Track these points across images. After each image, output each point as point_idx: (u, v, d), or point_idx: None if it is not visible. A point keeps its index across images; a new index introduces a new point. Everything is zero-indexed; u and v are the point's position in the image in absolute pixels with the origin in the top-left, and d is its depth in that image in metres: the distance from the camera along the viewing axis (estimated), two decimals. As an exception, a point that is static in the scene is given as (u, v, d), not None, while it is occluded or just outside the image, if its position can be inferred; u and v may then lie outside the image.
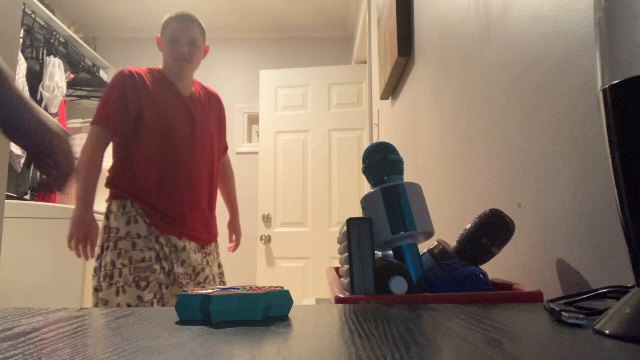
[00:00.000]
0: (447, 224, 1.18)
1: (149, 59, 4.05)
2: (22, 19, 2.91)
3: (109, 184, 1.68)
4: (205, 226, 1.76)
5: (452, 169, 1.13)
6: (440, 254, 0.67)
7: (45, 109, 2.97)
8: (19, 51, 2.74)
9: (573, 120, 0.59)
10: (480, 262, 0.66)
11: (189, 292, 0.41)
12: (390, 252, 0.74)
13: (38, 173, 2.98)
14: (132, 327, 0.36)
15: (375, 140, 2.81)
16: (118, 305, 1.53)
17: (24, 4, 2.87)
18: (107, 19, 3.93)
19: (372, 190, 0.68)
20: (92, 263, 2.66)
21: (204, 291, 0.42)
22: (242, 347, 0.29)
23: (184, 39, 1.71)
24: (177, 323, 0.38)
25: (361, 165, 0.71)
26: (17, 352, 0.28)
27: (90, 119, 3.46)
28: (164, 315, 0.42)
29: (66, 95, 3.43)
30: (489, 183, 0.89)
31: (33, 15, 3.00)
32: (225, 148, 1.94)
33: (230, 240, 2.01)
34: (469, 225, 0.67)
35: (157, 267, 1.58)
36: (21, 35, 2.93)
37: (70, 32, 3.36)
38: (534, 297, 0.52)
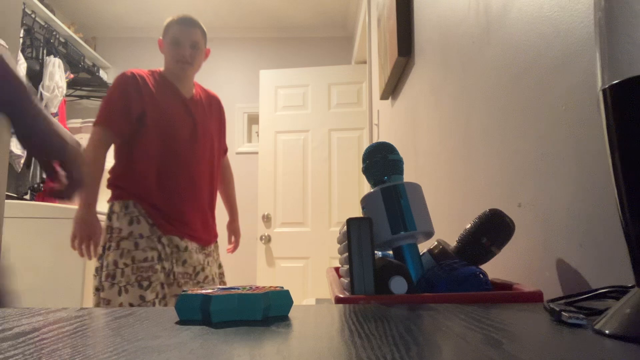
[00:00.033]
0: (447, 224, 1.18)
1: (149, 59, 4.05)
2: (22, 19, 2.91)
3: (111, 184, 1.69)
4: (206, 227, 1.77)
5: (452, 169, 1.13)
6: (440, 254, 0.67)
7: (45, 108, 2.97)
8: (19, 51, 2.74)
9: (573, 120, 0.59)
10: (480, 262, 0.66)
11: (189, 292, 0.41)
12: (390, 252, 0.74)
13: (38, 175, 2.98)
14: (132, 327, 0.36)
15: (375, 140, 2.81)
16: (120, 305, 1.53)
17: (24, 4, 2.87)
18: (107, 19, 3.93)
19: (372, 190, 0.68)
20: (91, 263, 2.67)
21: (204, 291, 0.42)
22: (242, 347, 0.29)
23: (186, 41, 1.73)
24: (177, 323, 0.38)
25: (361, 165, 0.71)
26: (17, 352, 0.28)
27: (91, 119, 3.48)
28: (164, 315, 0.42)
29: (66, 95, 3.43)
30: (489, 183, 0.89)
31: (33, 15, 3.00)
32: (225, 150, 1.96)
33: (230, 242, 2.02)
34: (469, 225, 0.67)
35: (158, 267, 1.59)
36: (21, 35, 2.93)
37: (70, 32, 3.36)
38: (534, 297, 0.52)
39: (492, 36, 0.86)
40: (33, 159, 2.90)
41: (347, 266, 0.59)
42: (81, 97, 3.76)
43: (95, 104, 3.88)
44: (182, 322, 0.39)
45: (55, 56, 3.11)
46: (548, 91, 0.65)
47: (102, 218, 1.63)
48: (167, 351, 0.28)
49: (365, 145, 3.30)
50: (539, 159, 0.68)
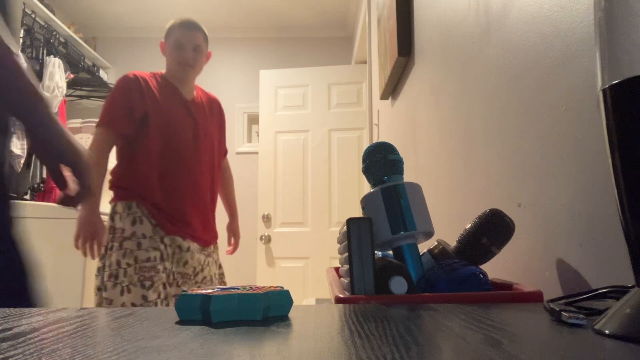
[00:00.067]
0: (447, 224, 1.18)
1: (149, 59, 4.05)
2: (22, 19, 2.91)
3: (113, 185, 1.71)
4: (207, 227, 1.79)
5: (452, 169, 1.13)
6: (440, 254, 0.67)
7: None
8: (19, 51, 2.73)
9: (573, 120, 0.59)
10: (480, 262, 0.66)
11: (189, 292, 0.41)
12: (390, 252, 0.74)
13: (39, 175, 2.97)
14: (132, 327, 0.36)
15: (375, 140, 2.81)
16: (122, 304, 1.55)
17: (24, 4, 2.87)
18: (107, 19, 3.93)
19: (372, 190, 0.68)
20: (92, 264, 2.67)
21: (204, 291, 0.42)
22: (242, 347, 0.29)
23: (189, 44, 1.75)
24: (177, 323, 0.38)
25: (361, 165, 0.71)
26: (17, 352, 0.28)
27: (90, 119, 3.48)
28: (164, 315, 0.42)
29: (66, 95, 3.43)
30: (489, 183, 0.89)
31: (33, 15, 3.00)
32: (225, 152, 1.98)
33: (229, 243, 2.04)
34: (469, 225, 0.67)
35: (160, 267, 1.61)
36: (21, 35, 2.93)
37: (70, 32, 3.36)
38: (534, 297, 0.52)
39: (492, 36, 0.86)
40: (33, 159, 2.90)
41: (347, 266, 0.59)
42: (81, 97, 3.76)
43: (95, 104, 3.88)
44: (182, 322, 0.39)
45: (55, 56, 3.11)
46: (548, 91, 0.65)
47: (104, 218, 1.64)
48: (167, 351, 0.28)
49: (365, 145, 3.30)
50: (539, 159, 0.68)
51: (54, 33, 3.21)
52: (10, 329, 0.35)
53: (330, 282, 0.70)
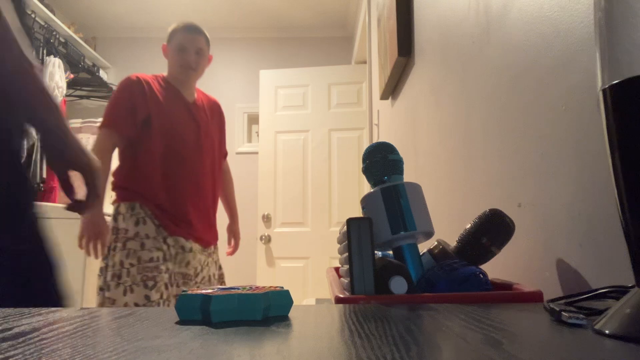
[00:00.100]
0: (447, 224, 1.18)
1: (149, 59, 4.05)
2: (22, 19, 2.91)
3: (116, 186, 1.72)
4: (209, 228, 1.81)
5: (452, 169, 1.13)
6: (440, 254, 0.67)
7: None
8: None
9: (573, 120, 0.59)
10: (480, 262, 0.66)
11: (189, 292, 0.41)
12: (390, 252, 0.74)
13: (39, 175, 2.97)
14: (132, 327, 0.36)
15: (375, 140, 2.81)
16: (125, 304, 1.56)
17: (24, 4, 2.87)
18: (107, 19, 3.93)
19: (372, 190, 0.68)
20: (92, 263, 2.67)
21: (204, 291, 0.42)
22: (242, 347, 0.29)
23: (191, 48, 1.78)
24: (177, 323, 0.38)
25: (361, 165, 0.71)
26: (17, 352, 0.28)
27: (90, 119, 3.48)
28: (164, 315, 0.42)
29: (66, 95, 3.43)
30: (489, 183, 0.89)
31: (33, 15, 3.00)
32: (225, 154, 2.00)
33: (229, 244, 2.06)
34: (469, 225, 0.67)
35: (163, 267, 1.63)
36: (21, 35, 2.92)
37: (70, 32, 3.36)
38: (534, 297, 0.52)
39: (492, 36, 0.86)
40: (33, 159, 2.90)
41: (347, 266, 0.59)
42: (81, 97, 3.76)
43: (95, 104, 3.88)
44: (182, 322, 0.39)
45: (55, 56, 3.11)
46: (548, 91, 0.65)
47: (107, 219, 1.65)
48: (167, 351, 0.28)
49: (365, 145, 3.30)
50: (539, 159, 0.68)
51: (54, 33, 3.21)
52: (10, 329, 0.35)
53: (330, 282, 0.70)
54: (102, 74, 3.78)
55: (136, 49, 4.08)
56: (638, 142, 0.30)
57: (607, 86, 0.32)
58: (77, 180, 0.83)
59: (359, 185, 3.30)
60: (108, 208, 1.78)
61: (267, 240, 3.29)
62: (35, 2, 2.94)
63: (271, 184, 3.35)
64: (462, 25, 1.04)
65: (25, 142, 0.78)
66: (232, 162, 3.89)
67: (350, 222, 0.59)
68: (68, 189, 0.83)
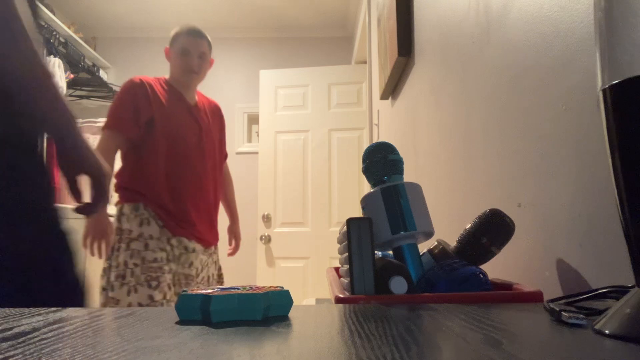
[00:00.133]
0: (447, 224, 1.18)
1: (149, 59, 4.05)
2: (22, 19, 2.91)
3: (119, 188, 1.75)
4: (211, 229, 1.84)
5: (452, 169, 1.13)
6: (440, 254, 0.67)
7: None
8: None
9: (573, 120, 0.59)
10: (480, 262, 0.66)
11: (189, 292, 0.41)
12: (390, 252, 0.74)
13: None
14: (132, 327, 0.36)
15: (375, 140, 2.81)
16: (129, 304, 1.58)
17: (24, 4, 2.87)
18: (107, 19, 3.93)
19: (372, 190, 0.68)
20: (92, 264, 2.66)
21: (204, 291, 0.42)
22: (242, 347, 0.29)
23: (194, 52, 1.81)
24: (177, 323, 0.38)
25: (361, 165, 0.71)
26: (17, 352, 0.28)
27: (91, 119, 3.48)
28: (164, 315, 0.42)
29: (66, 95, 3.43)
30: (489, 183, 0.89)
31: (33, 15, 3.00)
32: (225, 156, 2.03)
33: (230, 244, 2.09)
34: (469, 225, 0.67)
35: (166, 268, 1.65)
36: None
37: (70, 32, 3.36)
38: (534, 297, 0.52)
39: (492, 36, 0.86)
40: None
41: (347, 266, 0.59)
42: (81, 97, 3.76)
43: (95, 104, 3.88)
44: (182, 322, 0.39)
45: (55, 56, 3.11)
46: (548, 91, 0.65)
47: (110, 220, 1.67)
48: (167, 351, 0.28)
49: (365, 145, 3.30)
50: (539, 159, 0.68)
51: (54, 33, 3.21)
52: (10, 329, 0.35)
53: (330, 282, 0.70)
54: (102, 74, 3.78)
55: (136, 49, 4.08)
56: (638, 142, 0.30)
57: (607, 86, 0.32)
58: (85, 183, 0.86)
59: (359, 185, 3.30)
60: (111, 209, 1.78)
61: (267, 240, 3.29)
62: (36, 2, 2.94)
63: (271, 184, 3.35)
64: (462, 25, 1.04)
65: (44, 146, 0.81)
66: (232, 162, 3.89)
67: (350, 222, 0.59)
68: (76, 192, 0.86)
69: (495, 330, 0.33)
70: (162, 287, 1.61)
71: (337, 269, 0.85)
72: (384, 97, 2.18)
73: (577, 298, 0.43)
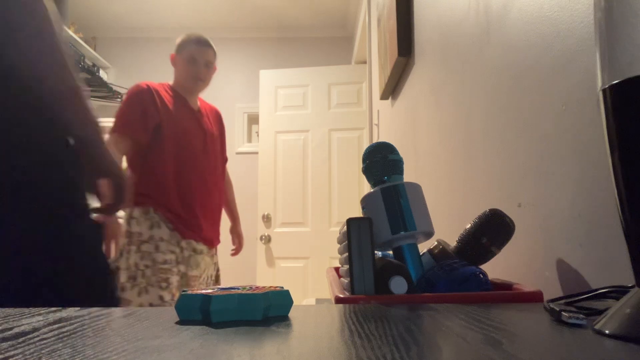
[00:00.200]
0: (447, 224, 1.18)
1: (149, 59, 4.05)
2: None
3: None
4: (215, 230, 1.90)
5: (452, 169, 1.13)
6: (440, 254, 0.67)
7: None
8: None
9: (573, 120, 0.59)
10: (480, 262, 0.66)
11: (189, 292, 0.41)
12: (390, 252, 0.74)
13: None
14: (132, 327, 0.36)
15: (375, 140, 2.81)
16: (140, 305, 1.62)
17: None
18: (107, 19, 3.93)
19: (372, 190, 0.68)
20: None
21: (204, 291, 0.42)
22: (242, 347, 0.29)
23: (201, 60, 1.86)
24: (177, 323, 0.38)
25: (361, 165, 0.71)
26: (17, 352, 0.28)
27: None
28: (164, 315, 0.42)
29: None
30: (489, 183, 0.89)
31: (33, 15, 3.00)
32: (226, 160, 2.08)
33: (234, 244, 2.14)
34: (469, 225, 0.67)
35: (175, 269, 1.70)
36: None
37: (70, 32, 3.36)
38: (534, 297, 0.52)
39: (492, 36, 0.86)
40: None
41: (347, 266, 0.59)
42: (81, 97, 3.76)
43: (95, 104, 3.87)
44: (182, 322, 0.39)
45: (55, 56, 3.11)
46: (548, 91, 0.65)
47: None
48: (167, 351, 0.28)
49: (365, 145, 3.30)
50: (539, 159, 0.68)
51: (54, 33, 3.21)
52: (10, 329, 0.35)
53: (330, 282, 0.70)
54: (102, 74, 3.78)
55: (136, 49, 4.07)
56: (638, 142, 0.30)
57: (607, 86, 0.32)
58: (104, 186, 0.92)
59: (359, 185, 3.30)
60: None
61: (267, 240, 3.29)
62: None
63: (271, 184, 3.35)
64: (462, 25, 1.04)
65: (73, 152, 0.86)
66: (232, 162, 3.88)
67: (350, 222, 0.59)
68: (97, 194, 0.91)
69: (495, 330, 0.33)
70: (171, 288, 1.66)
71: (337, 269, 0.85)
72: (384, 97, 2.18)
73: (577, 298, 0.43)
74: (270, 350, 0.28)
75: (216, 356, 0.27)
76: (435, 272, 0.61)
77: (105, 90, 3.77)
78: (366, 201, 0.67)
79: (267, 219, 3.31)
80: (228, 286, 0.46)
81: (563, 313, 0.35)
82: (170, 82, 1.91)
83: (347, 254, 0.59)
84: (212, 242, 1.87)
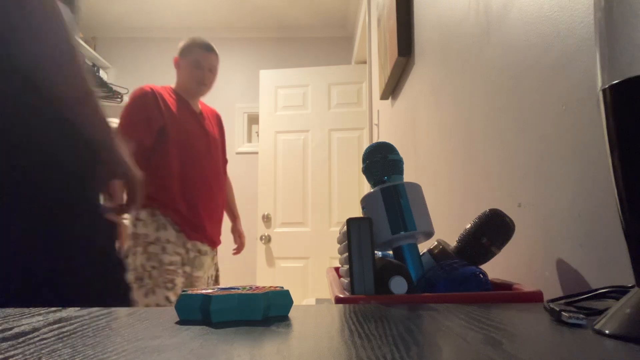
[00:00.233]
0: (447, 224, 1.18)
1: (149, 59, 4.05)
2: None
3: None
4: (217, 231, 1.93)
5: (452, 169, 1.13)
6: (440, 254, 0.67)
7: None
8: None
9: (573, 120, 0.59)
10: (480, 262, 0.66)
11: (189, 292, 0.41)
12: (390, 252, 0.74)
13: None
14: (132, 327, 0.36)
15: (375, 140, 2.81)
16: (147, 306, 1.62)
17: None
18: (107, 19, 3.93)
19: (372, 190, 0.68)
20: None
21: (203, 291, 0.42)
22: (242, 347, 0.29)
23: (206, 65, 1.90)
24: (177, 323, 0.38)
25: (361, 165, 0.71)
26: (17, 352, 0.28)
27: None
28: (164, 315, 0.42)
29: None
30: (489, 183, 0.89)
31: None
32: (226, 161, 2.11)
33: (236, 243, 2.17)
34: (469, 225, 0.67)
35: (180, 270, 1.72)
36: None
37: (70, 32, 3.36)
38: (534, 297, 0.52)
39: (492, 36, 0.86)
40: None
41: (347, 266, 0.59)
42: (81, 97, 3.76)
43: (95, 104, 3.87)
44: (182, 322, 0.39)
45: (55, 56, 3.11)
46: (548, 91, 0.65)
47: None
48: (167, 351, 0.28)
49: (365, 145, 3.30)
50: (539, 159, 0.68)
51: (54, 33, 3.21)
52: (10, 329, 0.35)
53: (330, 282, 0.70)
54: (102, 74, 3.78)
55: (136, 49, 4.07)
56: (638, 142, 0.30)
57: (607, 86, 0.32)
58: (115, 186, 0.95)
59: (359, 185, 3.30)
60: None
61: (267, 240, 3.29)
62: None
63: (271, 184, 3.35)
64: (462, 25, 1.04)
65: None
66: (232, 162, 3.88)
67: (350, 222, 0.59)
68: (110, 194, 0.94)
69: (495, 330, 0.33)
70: (177, 289, 1.68)
71: (337, 269, 0.85)
72: (384, 97, 2.18)
73: (577, 298, 0.43)
74: (270, 350, 0.28)
75: (216, 356, 0.27)
76: (435, 272, 0.61)
77: (105, 90, 3.77)
78: (366, 201, 0.67)
79: (267, 219, 3.31)
80: (228, 286, 0.46)
81: (563, 313, 0.35)
82: (172, 84, 1.93)
83: (347, 254, 0.59)
84: (215, 242, 1.89)
